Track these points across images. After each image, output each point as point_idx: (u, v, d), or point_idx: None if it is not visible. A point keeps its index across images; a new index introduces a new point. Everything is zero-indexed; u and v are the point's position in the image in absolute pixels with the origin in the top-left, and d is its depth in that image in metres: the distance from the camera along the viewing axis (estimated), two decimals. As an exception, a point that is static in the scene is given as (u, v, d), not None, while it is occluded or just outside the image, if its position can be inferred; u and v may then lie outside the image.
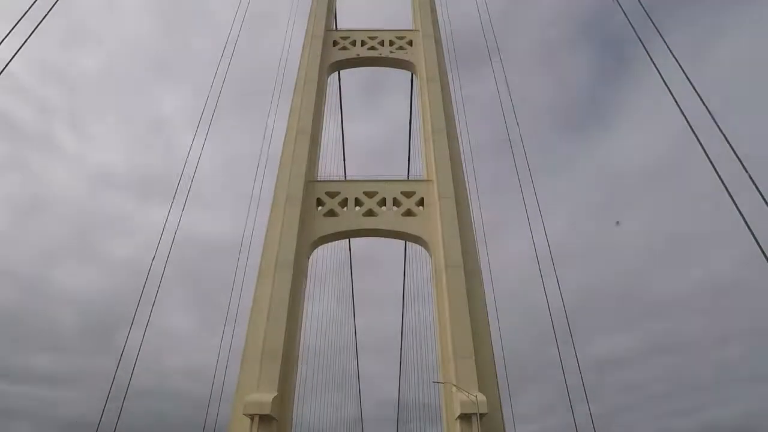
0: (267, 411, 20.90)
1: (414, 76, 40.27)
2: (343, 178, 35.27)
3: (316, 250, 32.33)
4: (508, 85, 33.23)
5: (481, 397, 21.43)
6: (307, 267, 29.02)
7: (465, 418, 21.32)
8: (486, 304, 26.05)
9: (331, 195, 30.89)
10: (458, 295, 25.46)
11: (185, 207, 25.13)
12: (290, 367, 24.41)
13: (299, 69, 37.09)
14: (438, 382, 23.86)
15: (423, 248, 30.46)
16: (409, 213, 30.21)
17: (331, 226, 29.68)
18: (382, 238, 31.68)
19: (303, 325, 27.32)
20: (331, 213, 30.25)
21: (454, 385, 22.02)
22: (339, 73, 41.50)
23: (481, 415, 21.10)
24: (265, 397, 21.40)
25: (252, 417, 21.11)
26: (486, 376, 23.35)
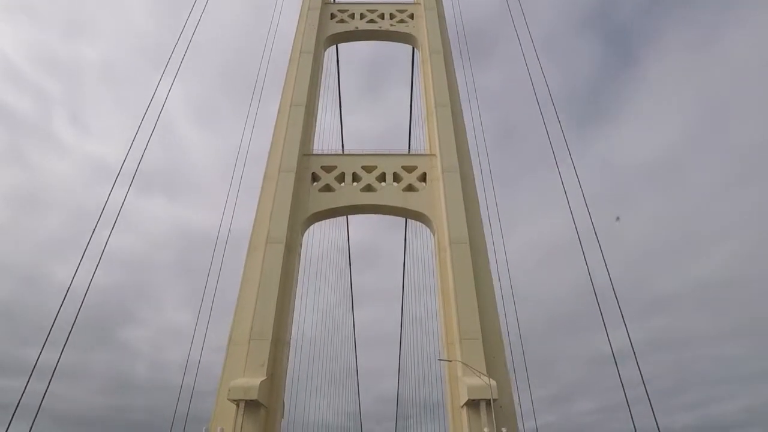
0: (254, 396, 18.89)
1: (415, 50, 38.25)
2: (340, 152, 33.12)
3: (311, 232, 30.43)
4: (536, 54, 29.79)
5: (492, 381, 19.46)
6: (301, 245, 26.98)
7: (472, 405, 19.32)
8: (493, 285, 24.06)
9: (328, 169, 28.85)
10: (464, 272, 23.46)
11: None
12: (281, 350, 22.39)
13: (294, 40, 35.05)
14: (442, 360, 21.79)
15: (425, 226, 28.43)
16: (410, 188, 28.18)
17: (327, 201, 27.62)
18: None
19: (295, 306, 25.27)
20: (327, 188, 28.20)
21: (463, 363, 20.00)
22: (337, 47, 39.42)
23: (491, 402, 19.12)
24: (251, 382, 19.40)
25: (237, 403, 19.09)
26: (495, 360, 21.35)
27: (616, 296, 18.99)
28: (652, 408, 16.02)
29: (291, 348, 24.24)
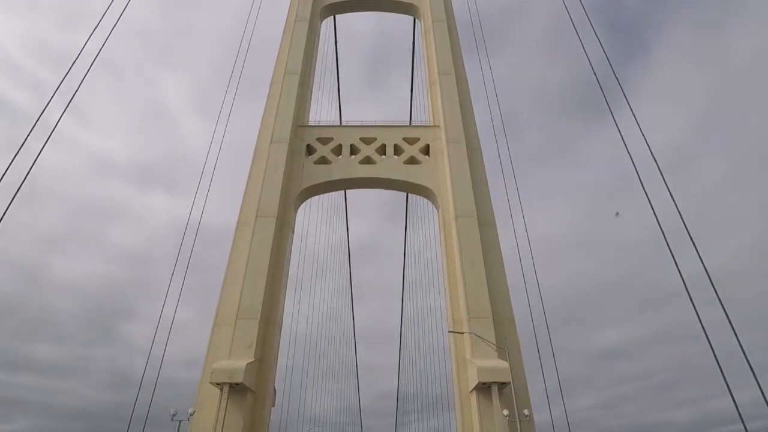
0: (239, 379, 16.95)
1: (417, 21, 36.15)
2: (337, 124, 31.06)
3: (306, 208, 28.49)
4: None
5: (502, 363, 17.53)
6: (294, 221, 25.00)
7: (483, 390, 17.39)
8: (503, 262, 22.08)
9: (323, 141, 26.84)
10: (471, 246, 21.48)
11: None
12: (271, 331, 20.44)
13: (289, 9, 32.93)
14: (453, 332, 19.82)
15: (429, 201, 26.44)
16: (412, 161, 26.17)
17: (322, 174, 25.61)
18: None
19: (287, 284, 23.31)
20: (323, 160, 26.20)
21: (477, 336, 18.06)
22: (335, 19, 37.31)
23: (503, 386, 17.19)
24: (237, 364, 17.46)
25: (221, 387, 17.18)
26: (506, 342, 19.35)
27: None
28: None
29: (298, 341, 22.40)
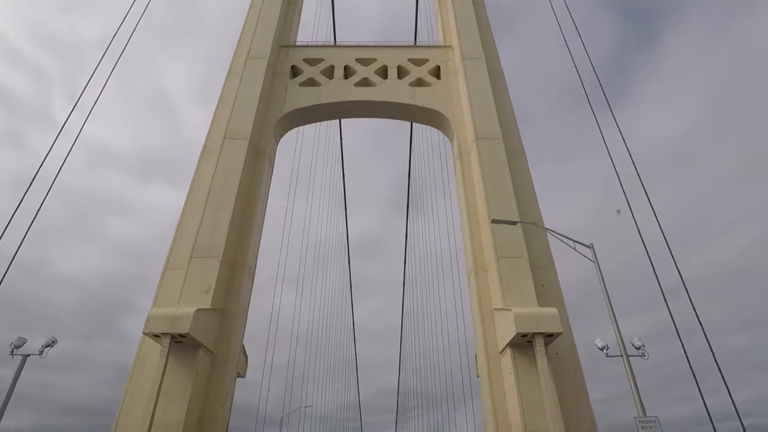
0: (183, 329, 12.23)
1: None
2: (331, 44, 26.21)
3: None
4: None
5: (548, 309, 12.81)
6: (275, 152, 20.29)
7: (520, 346, 12.68)
8: (536, 194, 17.33)
9: (312, 63, 22.12)
10: (497, 170, 16.78)
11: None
12: (239, 279, 15.73)
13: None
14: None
15: (439, 131, 21.67)
16: (420, 83, 21.45)
17: (309, 97, 20.85)
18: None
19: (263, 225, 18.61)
20: (311, 82, 21.48)
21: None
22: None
23: (549, 339, 12.47)
24: (181, 310, 12.75)
25: (160, 340, 12.46)
26: (545, 290, 14.65)
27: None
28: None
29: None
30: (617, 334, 11.99)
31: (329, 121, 31.99)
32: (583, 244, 12.69)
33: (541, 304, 13.83)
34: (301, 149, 27.25)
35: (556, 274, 15.37)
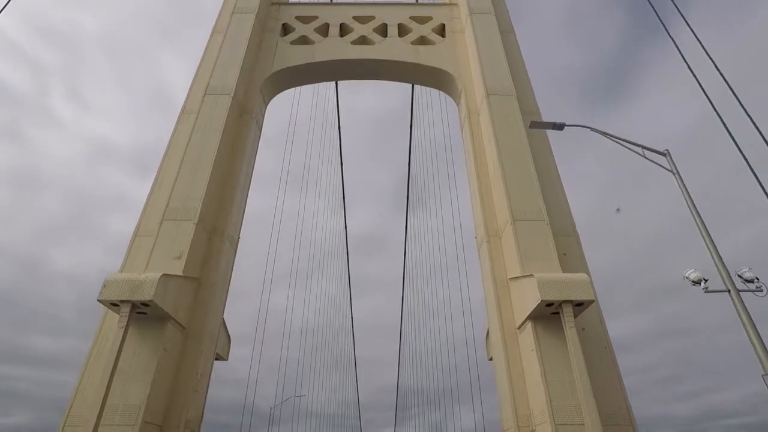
0: (146, 296, 10.30)
1: None
2: (325, 2, 24.30)
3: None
4: None
5: (578, 274, 10.92)
6: (263, 114, 18.37)
7: (543, 319, 10.80)
8: (553, 155, 15.47)
9: (305, 20, 20.22)
10: (511, 128, 14.89)
11: None
12: (218, 246, 13.83)
13: None
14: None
15: (445, 94, 19.75)
16: (423, 41, 19.55)
17: (301, 55, 18.92)
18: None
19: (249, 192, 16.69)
20: (303, 40, 19.57)
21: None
22: None
23: (578, 309, 10.59)
24: (144, 275, 10.83)
25: (118, 310, 10.54)
26: (567, 258, 12.77)
27: None
28: None
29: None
30: (716, 261, 9.27)
31: (327, 121, 30.36)
32: (656, 151, 10.61)
33: (567, 268, 11.97)
34: (294, 134, 25.26)
35: (580, 243, 13.51)
